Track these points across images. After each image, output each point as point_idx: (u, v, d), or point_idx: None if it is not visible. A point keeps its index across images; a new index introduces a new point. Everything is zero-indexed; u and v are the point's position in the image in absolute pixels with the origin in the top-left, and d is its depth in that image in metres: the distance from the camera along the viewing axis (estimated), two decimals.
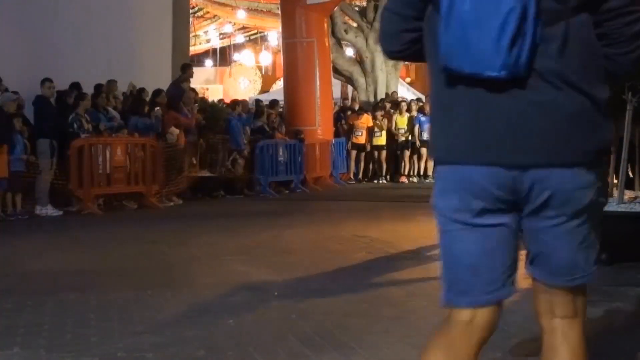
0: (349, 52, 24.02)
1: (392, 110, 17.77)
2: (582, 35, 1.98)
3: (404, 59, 2.43)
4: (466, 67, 1.94)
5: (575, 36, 1.97)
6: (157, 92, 13.07)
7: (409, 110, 17.70)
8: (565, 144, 1.98)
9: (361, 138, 17.22)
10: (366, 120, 17.30)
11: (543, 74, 1.95)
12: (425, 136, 17.12)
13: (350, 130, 17.45)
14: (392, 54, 2.29)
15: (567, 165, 2.00)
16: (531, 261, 2.22)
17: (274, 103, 16.48)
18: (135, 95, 13.34)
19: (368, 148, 17.38)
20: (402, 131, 17.36)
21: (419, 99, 20.63)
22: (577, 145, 1.99)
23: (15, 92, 10.89)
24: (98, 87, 12.63)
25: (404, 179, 17.36)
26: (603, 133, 2.04)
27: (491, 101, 1.97)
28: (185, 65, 14.62)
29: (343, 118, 17.97)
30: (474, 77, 1.94)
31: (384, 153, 17.42)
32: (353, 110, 18.15)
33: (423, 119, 17.27)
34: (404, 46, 2.21)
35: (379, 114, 17.44)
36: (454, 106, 2.04)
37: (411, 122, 17.45)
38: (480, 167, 2.02)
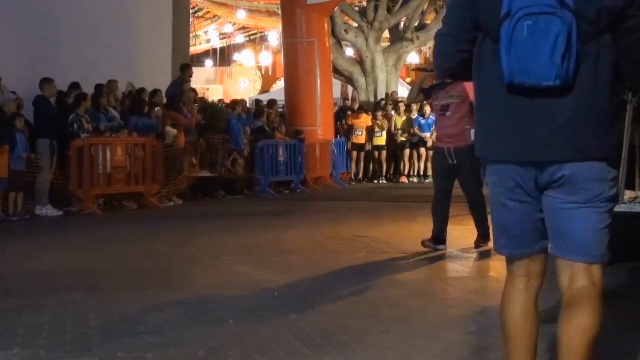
0: (349, 52, 24.03)
1: (393, 112, 17.76)
2: (608, 50, 2.51)
3: (454, 76, 2.98)
4: (527, 81, 2.46)
5: (604, 51, 2.51)
6: (154, 92, 13.06)
7: (408, 110, 17.72)
8: (590, 141, 2.50)
9: (361, 138, 17.24)
10: (365, 119, 17.30)
11: (583, 82, 2.47)
12: (424, 136, 17.20)
13: (350, 130, 17.45)
14: (445, 71, 2.87)
15: (589, 159, 2.51)
16: (550, 237, 2.66)
17: (272, 103, 16.46)
18: (135, 95, 13.34)
19: (367, 147, 17.37)
20: (401, 132, 17.37)
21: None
22: (598, 143, 2.51)
23: (13, 92, 10.89)
24: (99, 87, 12.63)
25: (404, 179, 17.37)
26: (617, 133, 2.59)
27: (535, 106, 2.51)
28: (185, 65, 14.62)
29: (343, 118, 17.97)
30: (534, 88, 2.46)
31: (384, 153, 17.43)
32: (353, 110, 18.16)
33: (422, 120, 17.29)
34: (456, 64, 2.74)
35: (379, 114, 17.45)
36: (506, 111, 2.57)
37: (409, 122, 17.43)
38: (516, 166, 2.59)
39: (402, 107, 17.83)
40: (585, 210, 2.56)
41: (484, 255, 6.99)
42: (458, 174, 7.28)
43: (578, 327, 2.59)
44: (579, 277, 2.61)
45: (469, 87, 6.97)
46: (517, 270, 2.73)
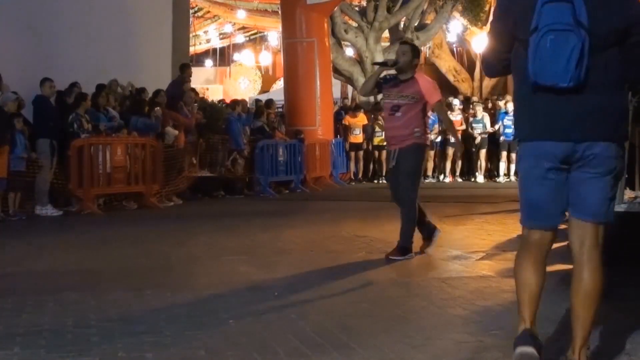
0: (349, 52, 24.02)
1: None
2: (615, 60, 3.27)
3: (499, 75, 4.01)
4: (548, 81, 3.20)
5: (611, 61, 3.26)
6: (157, 93, 13.07)
7: None
8: (604, 127, 3.26)
9: (358, 137, 17.15)
10: (362, 119, 17.26)
11: (593, 85, 3.21)
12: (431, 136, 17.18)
13: (347, 129, 17.37)
14: (493, 74, 3.84)
15: (605, 140, 3.26)
16: (571, 204, 3.36)
17: (269, 103, 16.43)
18: (135, 95, 13.34)
19: (364, 147, 17.30)
20: None
21: None
22: (611, 129, 3.28)
23: (14, 93, 10.89)
24: (99, 87, 12.63)
25: None
26: (625, 122, 3.39)
27: (560, 102, 3.24)
28: (185, 65, 14.63)
29: (342, 118, 17.94)
30: (552, 87, 3.20)
31: (384, 153, 17.39)
32: (351, 110, 18.12)
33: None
34: (500, 69, 3.63)
35: (380, 113, 17.44)
36: (536, 104, 3.31)
37: None
38: (552, 141, 3.28)
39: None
40: (602, 180, 3.30)
41: (484, 256, 6.99)
42: (397, 176, 6.88)
43: (585, 292, 3.30)
44: (586, 238, 3.33)
45: (426, 89, 6.77)
46: (533, 237, 3.42)
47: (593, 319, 3.31)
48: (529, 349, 3.27)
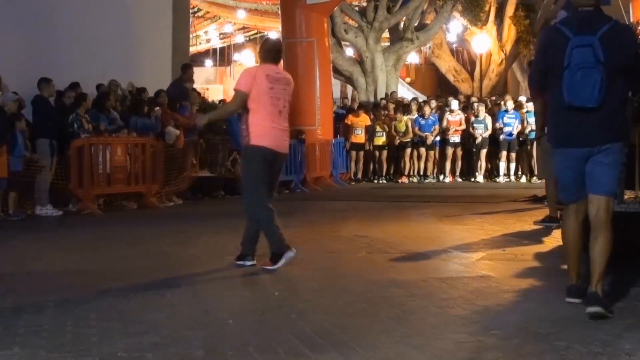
0: (349, 52, 24.03)
1: (397, 112, 17.58)
2: (621, 84, 4.65)
3: (538, 90, 5.13)
4: (578, 103, 4.58)
5: (619, 85, 4.62)
6: (158, 93, 13.07)
7: (408, 111, 17.68)
8: (612, 132, 4.65)
9: (360, 137, 17.14)
10: (364, 119, 17.25)
11: (606, 103, 4.55)
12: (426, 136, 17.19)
13: (348, 129, 17.38)
14: (535, 93, 5.47)
15: (612, 142, 4.64)
16: (588, 184, 4.71)
17: None
18: (135, 95, 13.34)
19: (367, 147, 17.33)
20: (402, 134, 17.22)
21: (414, 99, 20.63)
22: (616, 133, 4.67)
23: (15, 93, 10.89)
24: (99, 87, 12.63)
25: (404, 179, 17.36)
26: (625, 126, 4.87)
27: (584, 117, 4.61)
28: (186, 66, 14.63)
29: (342, 118, 17.93)
30: (582, 107, 4.57)
31: (384, 153, 17.41)
32: (352, 110, 18.13)
33: (422, 121, 17.26)
34: (539, 89, 5.06)
35: (382, 113, 17.44)
36: (567, 118, 4.71)
37: (410, 124, 17.29)
38: (576, 148, 4.71)
39: (399, 108, 17.84)
40: (610, 166, 4.65)
41: (484, 256, 6.99)
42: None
43: (600, 246, 4.60)
44: (600, 208, 4.64)
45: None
46: (572, 209, 4.84)
47: (605, 264, 4.59)
48: (576, 301, 4.76)
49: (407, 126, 17.22)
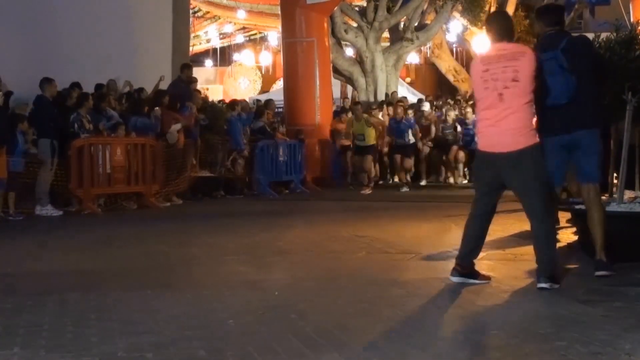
0: (349, 52, 24.01)
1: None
2: (588, 81, 5.71)
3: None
4: (556, 101, 5.62)
5: (585, 82, 5.66)
6: (159, 93, 13.06)
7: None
8: (585, 120, 5.66)
9: (345, 141, 16.05)
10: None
11: (578, 100, 5.60)
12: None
13: (336, 134, 16.42)
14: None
15: (587, 128, 5.68)
16: (578, 173, 5.87)
17: (268, 103, 16.37)
18: (135, 95, 13.34)
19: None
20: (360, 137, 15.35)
21: (420, 100, 20.59)
22: (589, 121, 5.68)
23: (10, 92, 10.93)
24: (99, 87, 12.63)
25: (366, 190, 14.61)
26: (597, 113, 5.80)
27: (560, 109, 5.62)
28: (185, 66, 14.63)
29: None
30: (557, 103, 5.63)
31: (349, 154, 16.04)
32: (345, 110, 17.46)
33: (395, 124, 15.65)
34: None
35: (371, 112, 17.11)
36: (549, 113, 5.64)
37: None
38: (559, 135, 5.66)
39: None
40: (589, 155, 5.69)
41: (483, 256, 6.98)
42: None
43: (594, 219, 5.70)
44: (591, 190, 5.75)
45: None
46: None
47: (603, 234, 5.64)
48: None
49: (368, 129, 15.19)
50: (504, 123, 5.30)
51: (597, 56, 6.29)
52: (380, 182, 16.43)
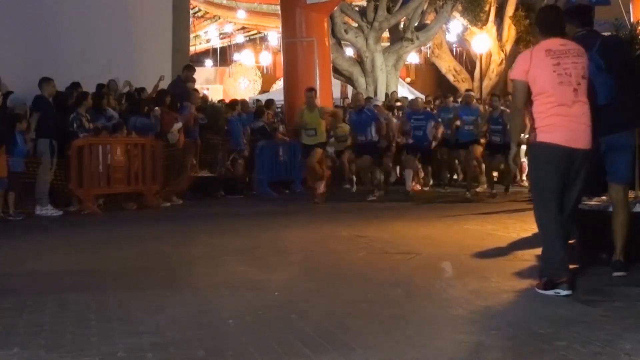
0: (349, 52, 24.02)
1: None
2: (626, 83, 5.70)
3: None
4: (596, 103, 5.40)
5: (624, 84, 5.66)
6: (160, 93, 13.06)
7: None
8: (626, 122, 5.70)
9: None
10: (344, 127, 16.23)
11: (617, 101, 5.59)
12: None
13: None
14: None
15: (627, 129, 5.73)
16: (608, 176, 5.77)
17: (269, 103, 16.37)
18: (134, 95, 13.34)
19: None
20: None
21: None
22: (629, 122, 5.73)
23: (10, 92, 10.93)
24: (100, 87, 12.62)
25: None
26: (636, 117, 5.80)
27: (599, 111, 5.40)
28: (187, 67, 14.63)
29: None
30: (597, 105, 5.40)
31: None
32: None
33: (355, 116, 13.75)
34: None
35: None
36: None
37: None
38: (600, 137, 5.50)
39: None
40: (624, 155, 5.75)
41: (484, 256, 6.99)
42: None
43: (620, 219, 5.63)
44: (619, 191, 5.75)
45: None
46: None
47: (626, 235, 5.61)
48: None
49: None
50: (584, 119, 5.23)
51: (631, 56, 6.46)
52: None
